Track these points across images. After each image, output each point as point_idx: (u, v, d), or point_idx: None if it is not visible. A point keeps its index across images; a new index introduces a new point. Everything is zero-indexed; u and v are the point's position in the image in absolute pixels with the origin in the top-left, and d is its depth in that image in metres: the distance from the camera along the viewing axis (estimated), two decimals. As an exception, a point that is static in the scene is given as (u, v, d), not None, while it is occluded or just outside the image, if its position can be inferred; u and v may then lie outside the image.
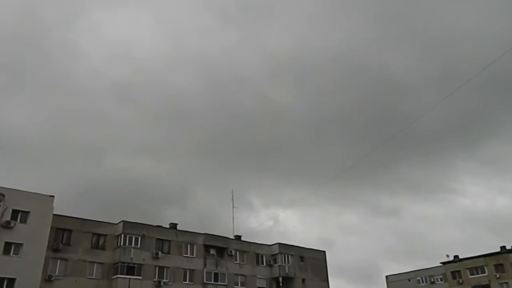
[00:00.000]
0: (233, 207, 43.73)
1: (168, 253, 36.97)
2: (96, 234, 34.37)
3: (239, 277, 40.51)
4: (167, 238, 37.46)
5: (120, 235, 34.88)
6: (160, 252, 36.18)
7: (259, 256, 43.20)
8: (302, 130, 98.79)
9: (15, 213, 29.35)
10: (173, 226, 39.06)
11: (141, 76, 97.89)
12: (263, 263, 42.93)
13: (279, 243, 44.22)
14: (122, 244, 34.38)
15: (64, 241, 32.42)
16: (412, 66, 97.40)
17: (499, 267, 51.01)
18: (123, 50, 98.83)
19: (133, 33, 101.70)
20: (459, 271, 55.11)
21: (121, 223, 35.37)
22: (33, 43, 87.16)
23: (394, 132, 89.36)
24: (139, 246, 35.08)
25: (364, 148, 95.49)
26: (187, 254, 38.18)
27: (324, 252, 48.30)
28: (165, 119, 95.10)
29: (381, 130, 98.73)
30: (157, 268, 35.63)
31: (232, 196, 44.42)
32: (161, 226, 38.18)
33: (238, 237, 43.21)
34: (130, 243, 34.76)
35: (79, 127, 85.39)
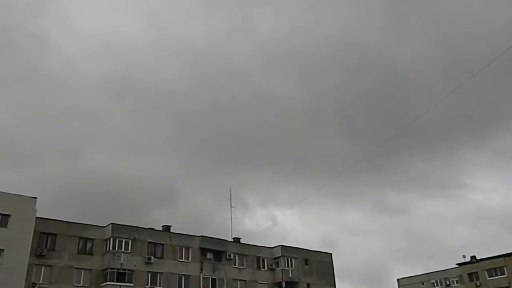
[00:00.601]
0: (231, 206, 43.64)
1: (162, 257, 36.98)
2: (83, 238, 34.34)
3: (239, 282, 40.64)
4: (160, 242, 37.49)
5: (109, 238, 34.85)
6: (152, 257, 36.20)
7: (260, 259, 43.29)
8: (300, 124, 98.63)
9: (-6, 216, 29.18)
10: (166, 228, 39.13)
11: (122, 68, 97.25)
12: (264, 267, 43.06)
13: (281, 245, 44.33)
14: (111, 248, 34.36)
15: (48, 246, 32.42)
16: (418, 54, 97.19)
17: (519, 268, 51.11)
18: (100, 40, 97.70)
19: (110, 20, 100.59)
20: (476, 272, 55.23)
21: (110, 225, 35.36)
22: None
23: (400, 124, 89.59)
24: (129, 250, 35.07)
25: (368, 142, 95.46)
26: (182, 258, 38.22)
27: (331, 254, 48.43)
28: (150, 113, 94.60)
29: (386, 122, 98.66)
30: (149, 274, 35.70)
31: (230, 195, 44.31)
32: (153, 229, 38.18)
33: (237, 240, 43.32)
34: (120, 247, 34.74)
35: (55, 124, 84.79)
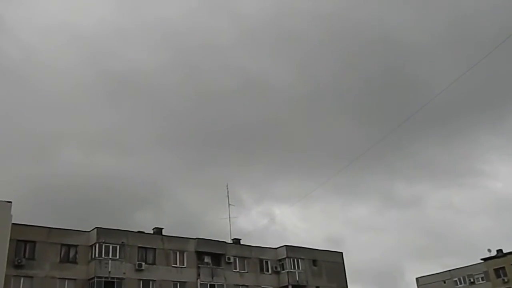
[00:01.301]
0: (229, 204, 43.44)
1: (154, 263, 36.83)
2: (66, 245, 34.12)
3: (241, 288, 40.54)
4: (152, 246, 37.36)
5: (94, 244, 34.62)
6: (143, 263, 35.99)
7: (263, 262, 43.18)
8: (298, 112, 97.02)
9: (-36, 224, 28.83)
10: (158, 231, 38.97)
11: (87, 51, 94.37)
12: (268, 270, 43.02)
13: (286, 246, 44.25)
14: (97, 255, 34.10)
15: (27, 255, 32.18)
16: (426, 32, 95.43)
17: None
18: (64, 25, 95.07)
19: (75, 2, 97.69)
20: (503, 268, 54.89)
21: (95, 230, 35.13)
22: None
23: (408, 108, 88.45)
24: (118, 257, 34.86)
25: (373, 128, 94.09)
26: (176, 263, 38.07)
27: (341, 254, 48.40)
28: (129, 106, 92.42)
29: (393, 107, 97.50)
30: (141, 282, 35.57)
31: (227, 191, 44.09)
32: (143, 232, 38.05)
33: (236, 241, 43.18)
34: (107, 253, 34.49)
35: (20, 121, 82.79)
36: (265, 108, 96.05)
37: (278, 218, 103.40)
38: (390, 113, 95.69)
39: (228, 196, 43.77)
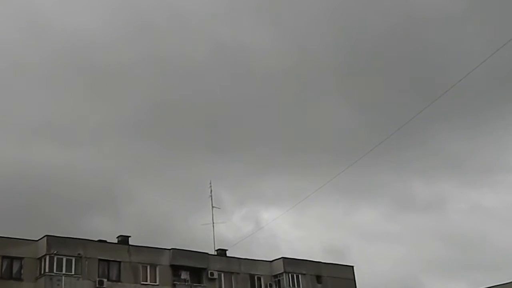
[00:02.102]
0: (213, 207, 41.45)
1: (118, 280, 34.98)
2: (8, 258, 32.52)
3: (227, 310, 39.26)
4: (116, 259, 35.35)
5: (43, 257, 32.69)
6: (105, 280, 34.03)
7: (255, 278, 41.02)
8: (283, 88, 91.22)
9: None
10: (124, 240, 37.02)
11: (24, 21, 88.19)
12: (261, 288, 41.45)
13: (283, 258, 41.93)
14: (47, 270, 32.19)
15: (-43, 271, 30.85)
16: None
17: None
18: None
19: None
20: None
21: (45, 239, 33.14)
22: None
23: (425, 87, 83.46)
24: (73, 272, 33.01)
25: (384, 115, 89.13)
26: (146, 280, 36.12)
27: (352, 268, 45.86)
28: (69, 82, 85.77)
29: (405, 84, 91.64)
30: (102, 304, 33.98)
31: (211, 191, 41.79)
32: (105, 241, 36.19)
33: (221, 252, 41.18)
34: (60, 268, 32.67)
35: None
36: (244, 87, 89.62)
37: (265, 223, 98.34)
38: (404, 95, 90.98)
39: (211, 196, 41.75)
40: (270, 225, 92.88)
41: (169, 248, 37.64)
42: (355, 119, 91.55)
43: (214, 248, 41.11)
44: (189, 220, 77.60)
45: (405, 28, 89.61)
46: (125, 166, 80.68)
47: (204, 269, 38.28)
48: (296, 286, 41.37)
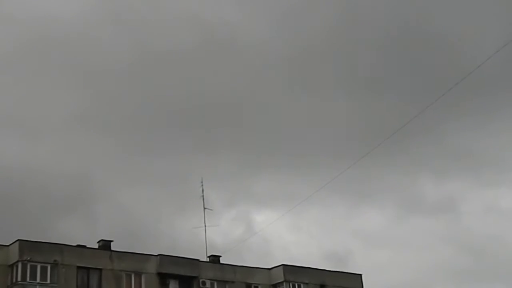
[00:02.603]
0: (205, 208, 40.91)
1: None
2: None
3: (221, 323, 39.32)
4: (96, 266, 35.03)
5: (15, 264, 32.30)
6: None
7: (252, 287, 40.81)
8: (274, 76, 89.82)
9: None
10: (105, 245, 36.67)
11: None
12: (259, 299, 41.49)
13: (283, 265, 41.41)
14: (20, 279, 31.80)
15: None
16: None
17: None
18: None
19: None
20: None
21: (17, 243, 32.79)
22: None
23: (436, 74, 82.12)
24: (48, 280, 32.70)
25: (389, 106, 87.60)
26: None
27: (360, 276, 45.26)
28: (33, 67, 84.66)
29: (413, 72, 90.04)
30: (81, 316, 34.25)
31: (202, 190, 41.36)
32: (84, 246, 35.91)
33: (214, 258, 40.85)
34: (34, 276, 32.32)
35: None
36: (234, 77, 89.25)
37: (258, 227, 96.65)
38: (411, 85, 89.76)
39: (203, 197, 41.35)
40: (263, 228, 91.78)
41: (156, 254, 37.39)
42: (353, 116, 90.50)
43: (206, 254, 40.89)
44: (173, 222, 76.69)
45: (416, 13, 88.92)
46: (98, 162, 78.58)
47: (195, 277, 38.03)
48: (298, 297, 41.59)
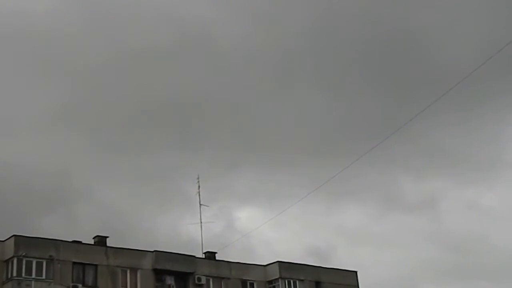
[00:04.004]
0: (200, 205, 41.28)
1: (95, 285, 34.92)
2: None
3: (216, 319, 39.46)
4: (92, 262, 35.22)
5: (11, 259, 32.42)
6: (80, 285, 33.97)
7: (248, 284, 40.87)
8: (250, 73, 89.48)
9: None
10: (100, 240, 36.78)
11: None
12: (254, 296, 41.61)
13: (279, 262, 41.62)
14: (15, 274, 31.91)
15: None
16: None
17: None
18: None
19: None
20: None
21: (12, 238, 32.90)
22: None
23: (418, 76, 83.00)
24: (44, 276, 32.77)
25: (361, 106, 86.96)
26: (126, 286, 36.05)
27: (355, 272, 45.74)
28: (7, 64, 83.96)
29: (395, 71, 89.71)
30: (76, 312, 34.21)
31: (199, 186, 41.54)
32: (79, 242, 35.97)
33: (210, 255, 40.92)
34: (29, 271, 32.36)
35: None
36: (213, 73, 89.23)
37: (240, 224, 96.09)
38: (388, 83, 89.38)
39: (199, 192, 41.58)
40: (244, 226, 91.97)
41: (152, 250, 37.58)
42: (329, 114, 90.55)
43: (202, 250, 41.04)
44: (154, 219, 76.25)
45: (387, 16, 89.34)
46: (76, 159, 77.60)
47: (191, 273, 38.14)
48: (293, 294, 41.63)
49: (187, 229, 75.87)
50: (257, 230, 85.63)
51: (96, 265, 35.08)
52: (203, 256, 40.65)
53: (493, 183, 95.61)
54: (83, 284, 34.00)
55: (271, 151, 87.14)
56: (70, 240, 35.49)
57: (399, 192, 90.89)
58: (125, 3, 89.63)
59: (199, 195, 42.04)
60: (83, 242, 36.20)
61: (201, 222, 41.89)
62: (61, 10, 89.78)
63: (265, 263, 42.21)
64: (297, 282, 41.49)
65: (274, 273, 41.21)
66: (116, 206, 74.85)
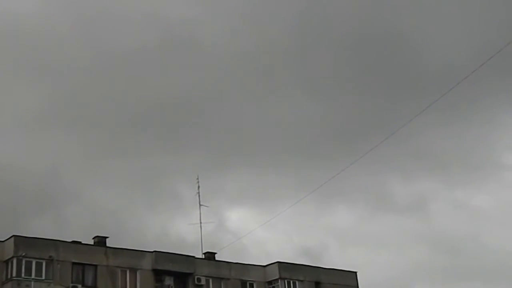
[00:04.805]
0: (201, 205, 41.42)
1: (94, 285, 35.04)
2: None
3: (215, 320, 39.58)
4: (92, 262, 35.35)
5: (11, 259, 32.57)
6: (80, 285, 34.18)
7: (247, 284, 41.13)
8: (236, 74, 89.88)
9: None
10: (100, 241, 36.91)
11: None
12: (254, 296, 41.74)
13: (279, 263, 41.85)
14: (14, 274, 32.08)
15: None
16: None
17: None
18: None
19: None
20: None
21: (12, 239, 33.04)
22: None
23: (391, 72, 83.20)
24: (43, 276, 32.91)
25: (346, 105, 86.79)
26: (125, 286, 36.19)
27: (355, 273, 45.96)
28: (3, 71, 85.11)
29: (381, 72, 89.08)
30: (75, 312, 34.28)
31: (198, 187, 41.71)
32: (79, 242, 36.10)
33: (210, 255, 41.08)
34: (29, 272, 32.50)
35: None
36: (201, 74, 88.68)
37: (231, 224, 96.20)
38: (375, 84, 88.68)
39: (199, 192, 41.67)
40: (235, 226, 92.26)
41: (151, 250, 37.73)
42: (316, 114, 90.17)
43: (202, 251, 41.16)
44: (144, 219, 76.30)
45: (372, 16, 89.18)
46: (61, 161, 77.16)
47: (191, 274, 38.30)
48: (293, 294, 41.73)
49: (177, 230, 76.41)
50: (248, 230, 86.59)
51: (95, 266, 35.17)
52: (203, 257, 40.77)
53: (483, 183, 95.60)
54: (83, 285, 34.08)
55: (259, 152, 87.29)
56: (69, 240, 35.61)
57: (389, 193, 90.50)
58: (111, 4, 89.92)
59: (199, 195, 42.19)
60: (83, 242, 36.28)
61: (200, 223, 42.00)
62: (49, 11, 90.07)
63: (264, 264, 42.40)
64: (297, 282, 41.67)
65: (274, 274, 41.38)
66: (106, 207, 74.62)
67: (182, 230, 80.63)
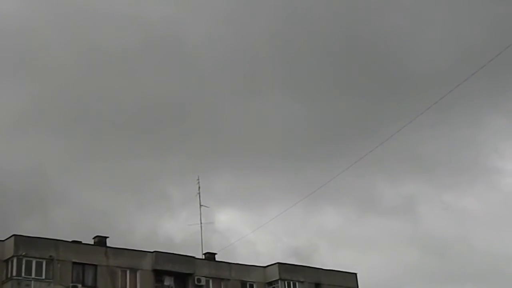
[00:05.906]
0: (201, 205, 41.39)
1: (94, 285, 35.23)
2: None
3: (215, 320, 39.66)
4: (92, 262, 35.54)
5: (11, 259, 32.76)
6: (80, 285, 34.28)
7: (247, 285, 41.37)
8: (220, 75, 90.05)
9: None
10: (100, 241, 37.03)
11: None
12: (254, 297, 41.80)
13: (279, 264, 42.10)
14: (15, 274, 32.26)
15: None
16: None
17: None
18: None
19: None
20: None
21: (12, 238, 33.22)
22: None
23: (375, 74, 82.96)
24: (43, 276, 33.09)
25: (332, 107, 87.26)
26: (125, 286, 36.39)
27: (355, 275, 46.19)
28: None
29: (355, 69, 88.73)
30: (75, 312, 34.33)
31: (199, 187, 41.75)
32: (79, 242, 36.24)
33: (210, 256, 41.26)
34: (29, 271, 32.65)
35: None
36: (186, 76, 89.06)
37: (219, 225, 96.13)
38: (358, 86, 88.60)
39: (199, 193, 41.68)
40: (224, 227, 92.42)
41: (152, 250, 37.89)
42: (301, 116, 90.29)
43: (202, 251, 41.30)
44: (131, 220, 75.91)
45: (356, 17, 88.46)
46: (47, 162, 77.32)
47: (191, 274, 38.43)
48: (293, 295, 41.80)
49: (165, 230, 76.58)
50: (238, 232, 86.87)
51: (95, 265, 35.32)
52: (203, 257, 40.93)
53: (471, 186, 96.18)
54: (83, 284, 34.19)
55: (245, 153, 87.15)
56: (70, 240, 35.73)
57: (377, 195, 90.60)
58: (94, 5, 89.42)
59: (199, 196, 42.18)
60: (83, 242, 36.41)
61: (201, 223, 42.05)
62: (32, 10, 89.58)
63: (264, 265, 42.57)
64: (297, 283, 41.85)
65: (274, 275, 41.55)
66: (93, 208, 74.68)
67: (170, 230, 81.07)
